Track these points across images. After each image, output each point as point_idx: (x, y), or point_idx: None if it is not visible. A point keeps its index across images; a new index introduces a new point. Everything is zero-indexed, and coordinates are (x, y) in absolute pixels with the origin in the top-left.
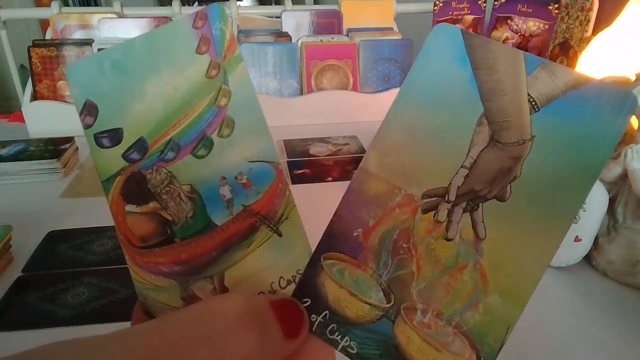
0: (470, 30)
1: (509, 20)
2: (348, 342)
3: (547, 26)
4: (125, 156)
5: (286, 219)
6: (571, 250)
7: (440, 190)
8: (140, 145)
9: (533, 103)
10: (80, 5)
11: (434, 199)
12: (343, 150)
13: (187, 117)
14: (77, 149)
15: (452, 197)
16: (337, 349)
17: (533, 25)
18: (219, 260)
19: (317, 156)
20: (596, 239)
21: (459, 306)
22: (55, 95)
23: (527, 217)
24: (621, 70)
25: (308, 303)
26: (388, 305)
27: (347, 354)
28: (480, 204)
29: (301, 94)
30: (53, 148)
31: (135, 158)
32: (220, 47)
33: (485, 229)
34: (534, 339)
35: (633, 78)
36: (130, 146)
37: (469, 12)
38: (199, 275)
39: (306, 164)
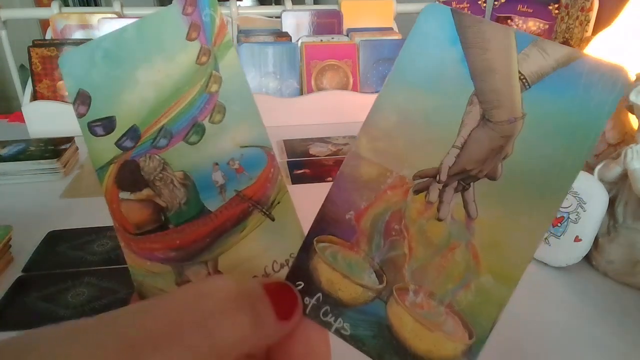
0: None
1: (509, 20)
2: (341, 323)
3: (547, 26)
4: (118, 144)
5: (278, 203)
6: (571, 250)
7: (432, 171)
8: (133, 133)
9: (524, 81)
10: (80, 5)
11: (425, 179)
12: (343, 150)
13: (179, 104)
14: (77, 149)
15: (444, 177)
16: (330, 330)
17: (533, 25)
18: (213, 246)
19: (317, 156)
20: (596, 239)
21: (451, 286)
22: (55, 95)
23: (519, 196)
24: None
25: (301, 286)
26: (381, 286)
27: (341, 336)
28: (472, 184)
29: (301, 94)
30: (53, 148)
31: (128, 146)
32: (210, 33)
33: (476, 208)
34: (534, 339)
35: (633, 78)
36: (123, 134)
37: (469, 12)
38: (193, 260)
39: (306, 164)
